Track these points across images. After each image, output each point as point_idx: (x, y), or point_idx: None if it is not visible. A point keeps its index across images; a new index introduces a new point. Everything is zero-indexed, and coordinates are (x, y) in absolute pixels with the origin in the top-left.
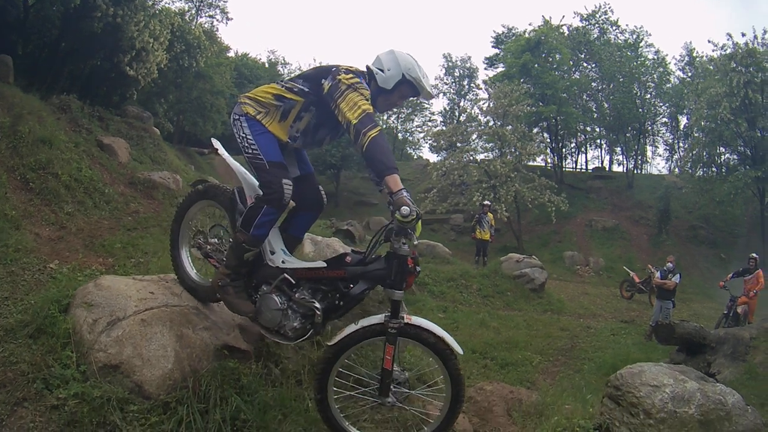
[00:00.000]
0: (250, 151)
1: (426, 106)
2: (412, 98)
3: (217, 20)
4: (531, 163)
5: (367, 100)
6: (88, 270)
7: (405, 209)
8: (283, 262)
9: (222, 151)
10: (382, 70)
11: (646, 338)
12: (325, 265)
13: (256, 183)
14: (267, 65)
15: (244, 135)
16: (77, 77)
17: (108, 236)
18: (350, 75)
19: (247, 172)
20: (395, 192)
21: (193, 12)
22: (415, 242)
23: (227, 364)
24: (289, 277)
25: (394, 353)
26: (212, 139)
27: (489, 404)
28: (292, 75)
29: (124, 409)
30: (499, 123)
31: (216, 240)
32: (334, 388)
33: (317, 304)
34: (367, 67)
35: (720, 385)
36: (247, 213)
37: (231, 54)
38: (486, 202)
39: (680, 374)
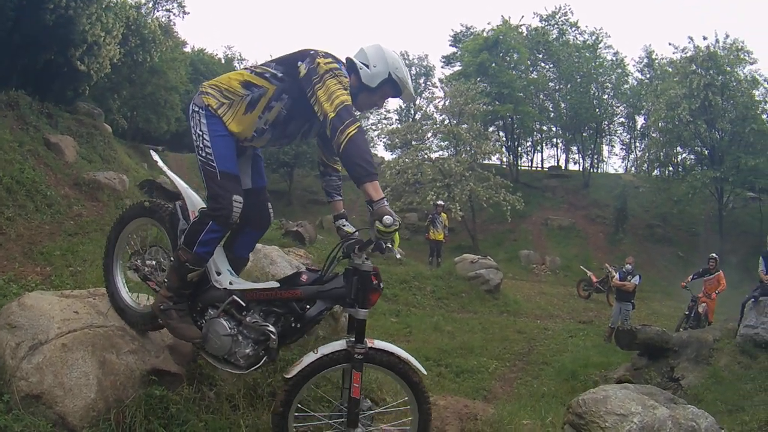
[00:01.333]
0: (204, 154)
1: None
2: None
3: (174, 14)
4: (486, 162)
5: (346, 89)
6: (24, 281)
7: (388, 219)
8: (230, 283)
9: (161, 164)
10: (367, 66)
11: (605, 340)
12: (277, 285)
13: (199, 199)
14: (223, 61)
15: (200, 133)
16: (30, 72)
17: (48, 242)
18: (329, 59)
19: (188, 188)
20: (376, 201)
21: (150, 5)
22: (398, 255)
23: (153, 391)
24: (238, 299)
25: (361, 381)
26: (150, 150)
27: (442, 423)
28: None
29: None
30: (454, 122)
31: (154, 262)
32: (294, 425)
33: (271, 328)
34: (349, 59)
35: (691, 407)
36: (190, 229)
37: (187, 49)
38: (439, 202)
39: (649, 399)
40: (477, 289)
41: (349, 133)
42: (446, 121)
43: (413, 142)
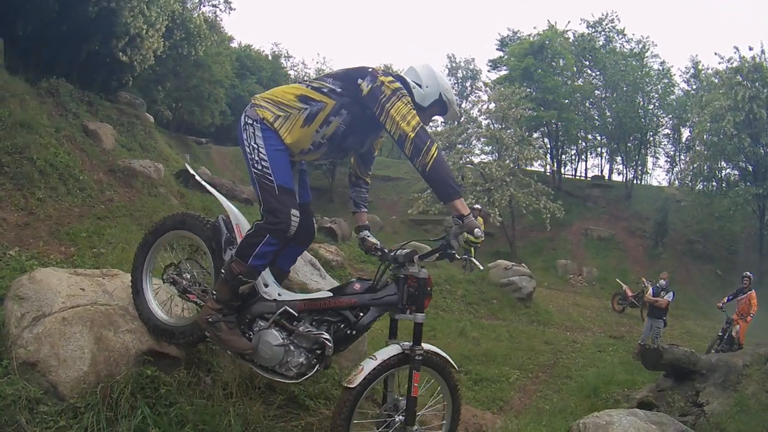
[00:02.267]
0: (260, 168)
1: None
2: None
3: (221, 10)
4: (529, 168)
5: (413, 110)
6: (46, 259)
7: (478, 231)
8: (279, 294)
9: (197, 177)
10: (419, 85)
11: (634, 357)
12: (330, 294)
13: (238, 213)
14: (270, 57)
15: (256, 146)
16: (75, 62)
17: (76, 224)
18: (391, 78)
19: (226, 200)
20: (466, 215)
21: (196, 0)
22: (480, 267)
23: (145, 371)
24: (291, 310)
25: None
26: (186, 164)
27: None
28: (318, 75)
29: (34, 410)
30: (499, 126)
31: (188, 275)
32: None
33: (327, 336)
34: (401, 77)
35: None
36: (244, 241)
37: (234, 45)
38: (476, 206)
39: (656, 430)
40: (508, 297)
41: (433, 154)
42: (491, 126)
43: (458, 145)
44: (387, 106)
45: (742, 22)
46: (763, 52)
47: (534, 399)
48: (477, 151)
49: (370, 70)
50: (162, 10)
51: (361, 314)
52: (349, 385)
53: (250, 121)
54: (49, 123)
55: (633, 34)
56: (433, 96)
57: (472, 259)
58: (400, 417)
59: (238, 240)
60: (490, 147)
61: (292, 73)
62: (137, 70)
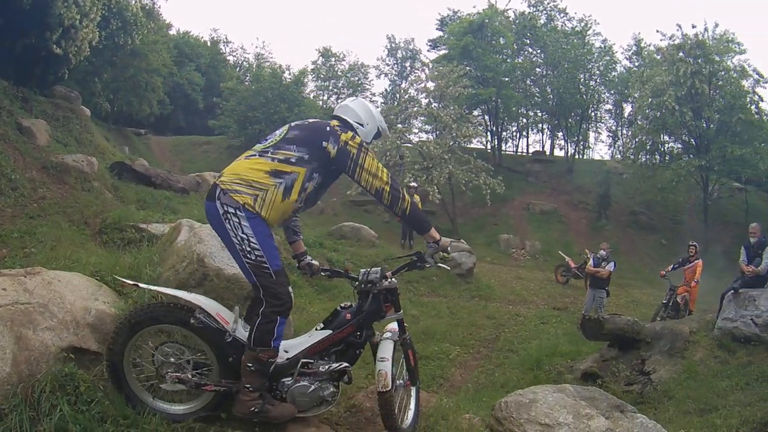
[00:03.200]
0: (253, 258)
1: (367, 87)
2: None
3: None
4: (469, 146)
5: (377, 161)
6: None
7: (449, 248)
8: (286, 351)
9: (145, 285)
10: (362, 125)
11: (578, 328)
12: (330, 331)
13: (209, 301)
14: (209, 44)
15: (245, 236)
16: (10, 57)
17: (8, 225)
18: (351, 134)
19: (191, 294)
20: (439, 240)
21: None
22: (449, 269)
23: (64, 369)
24: (307, 360)
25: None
26: (126, 281)
27: (373, 414)
28: (271, 142)
29: None
30: (438, 105)
31: (180, 361)
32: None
33: (345, 364)
34: (346, 122)
35: (640, 418)
36: (260, 330)
37: (172, 32)
38: (412, 184)
39: (586, 407)
40: (449, 273)
41: (408, 200)
42: (432, 105)
43: (398, 125)
44: (359, 163)
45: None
46: (706, 29)
47: (475, 374)
48: (416, 130)
49: (328, 129)
50: None
51: (359, 333)
52: (384, 389)
53: (231, 210)
54: None
55: (575, 13)
56: (374, 131)
57: (442, 265)
58: (401, 381)
59: (226, 327)
60: (430, 126)
61: (231, 58)
62: (73, 62)
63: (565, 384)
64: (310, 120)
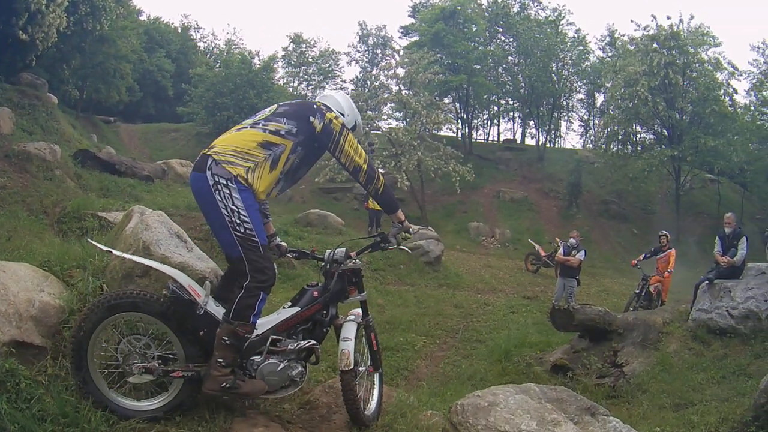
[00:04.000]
0: (242, 230)
1: (338, 73)
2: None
3: None
4: (440, 134)
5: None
6: None
7: (413, 228)
8: (256, 328)
9: (119, 253)
10: (343, 114)
11: (548, 317)
12: (298, 309)
13: (178, 272)
14: (180, 30)
15: (235, 208)
16: None
17: None
18: (335, 114)
19: (164, 265)
20: (404, 220)
21: None
22: (410, 251)
23: (3, 365)
24: (276, 337)
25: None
26: (100, 246)
27: (329, 411)
28: (261, 117)
29: None
30: (410, 91)
31: (146, 351)
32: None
33: (313, 342)
34: (324, 104)
35: (613, 422)
36: (241, 303)
37: (143, 18)
38: (380, 170)
39: (552, 410)
40: (416, 261)
41: (382, 180)
42: (402, 91)
43: (368, 112)
44: (341, 142)
45: None
46: (681, 21)
47: (441, 366)
48: (385, 117)
49: (315, 106)
50: None
51: (325, 312)
52: (347, 368)
53: (223, 181)
54: None
55: (549, 2)
56: (352, 123)
57: (403, 247)
58: (363, 367)
59: (198, 300)
60: (400, 113)
61: (201, 45)
62: (40, 48)
63: (529, 384)
64: (296, 101)
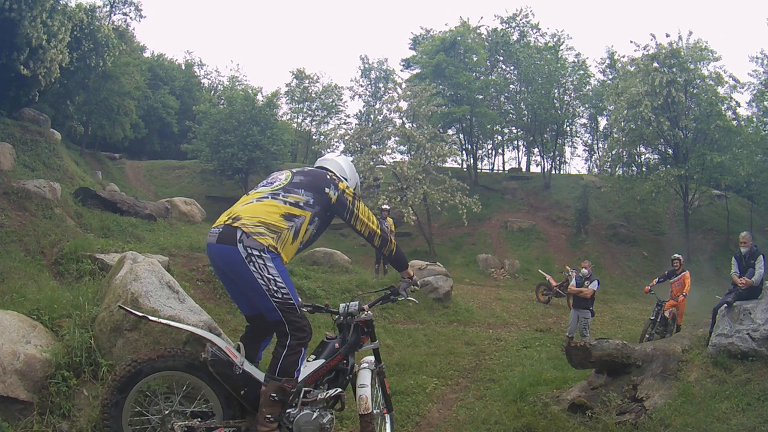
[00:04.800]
0: (280, 296)
1: (341, 108)
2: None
3: (131, 18)
4: (445, 166)
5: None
6: None
7: (419, 282)
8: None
9: (155, 319)
10: (345, 179)
11: (563, 350)
12: (323, 360)
13: (216, 337)
14: (183, 67)
15: (271, 276)
16: None
17: None
18: (346, 185)
19: (203, 331)
20: (413, 275)
21: (107, 9)
22: (417, 302)
23: None
24: (307, 389)
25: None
26: (135, 312)
27: None
28: (279, 186)
29: None
30: (413, 125)
31: (178, 409)
32: None
33: (340, 390)
34: (327, 169)
35: None
36: (285, 361)
37: (147, 54)
38: (385, 206)
39: None
40: (425, 298)
41: (394, 242)
42: (405, 124)
43: (372, 146)
44: (355, 212)
45: (657, 10)
46: (680, 38)
47: (454, 410)
48: (389, 151)
49: (328, 177)
50: (68, 19)
51: (346, 361)
52: (366, 412)
53: (256, 252)
54: None
55: (548, 28)
56: (353, 186)
57: (411, 298)
58: (378, 410)
59: (236, 361)
60: (404, 146)
61: (205, 81)
62: (43, 84)
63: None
64: (307, 168)
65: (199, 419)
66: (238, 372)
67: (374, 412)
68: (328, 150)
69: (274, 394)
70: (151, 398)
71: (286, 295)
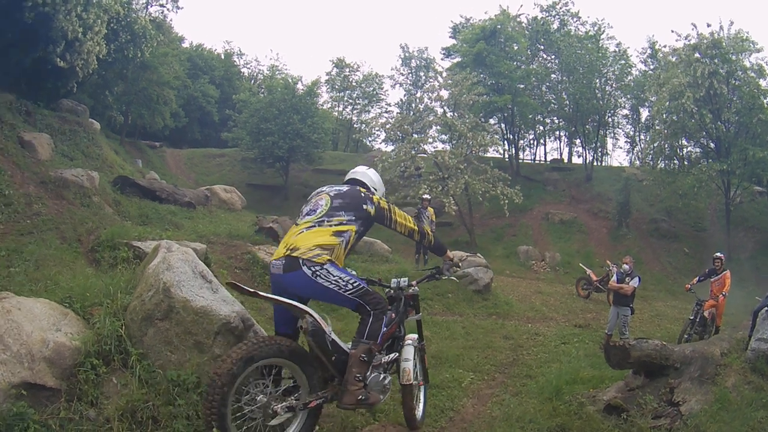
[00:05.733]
0: (351, 288)
1: (382, 97)
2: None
3: (168, 9)
4: (487, 156)
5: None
6: None
7: (459, 262)
8: None
9: (264, 294)
10: (376, 189)
11: (601, 348)
12: (385, 328)
13: (312, 311)
14: (222, 56)
15: (337, 277)
16: (21, 72)
17: None
18: (379, 197)
19: (300, 304)
20: (452, 258)
21: (143, 1)
22: (458, 280)
23: (13, 407)
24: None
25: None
26: (246, 288)
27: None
28: (321, 213)
29: None
30: (455, 114)
31: (272, 393)
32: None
33: (397, 355)
34: (360, 182)
35: None
36: (372, 326)
37: (185, 45)
38: (425, 196)
39: None
40: (464, 290)
41: (431, 234)
42: (448, 114)
43: (414, 135)
44: (393, 217)
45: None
46: (721, 28)
47: (489, 406)
48: (430, 140)
49: (363, 195)
50: (104, 12)
51: (399, 329)
52: (408, 383)
53: (317, 269)
54: None
55: (588, 17)
56: (381, 194)
57: (453, 278)
58: (416, 381)
59: (327, 330)
60: (446, 135)
61: (245, 71)
62: (80, 75)
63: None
64: (344, 189)
65: (294, 398)
66: (329, 340)
67: (413, 383)
68: (369, 138)
69: (363, 355)
70: (248, 391)
71: (354, 284)
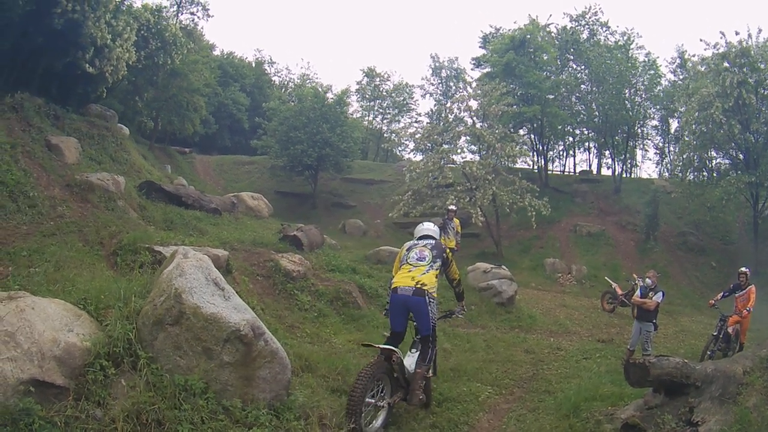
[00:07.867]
0: (433, 323)
1: (412, 107)
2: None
3: (198, 17)
4: (516, 166)
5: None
6: None
7: (465, 309)
8: (410, 366)
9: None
10: (437, 238)
11: (622, 364)
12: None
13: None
14: (253, 65)
15: (434, 313)
16: (52, 76)
17: (19, 243)
18: (447, 249)
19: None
20: (463, 305)
21: (173, 9)
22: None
23: (20, 403)
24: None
25: None
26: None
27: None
28: (429, 260)
29: None
30: (484, 124)
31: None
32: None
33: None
34: (432, 236)
35: None
36: (431, 353)
37: (216, 52)
38: (451, 207)
39: None
40: (488, 301)
41: (462, 285)
42: (477, 124)
43: (444, 145)
44: (452, 265)
45: (727, 8)
46: (749, 36)
47: (504, 421)
48: (459, 150)
49: (444, 247)
50: (134, 19)
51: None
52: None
53: (432, 300)
54: (7, 139)
55: (617, 27)
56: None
57: (460, 315)
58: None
59: (403, 361)
60: (476, 146)
61: (276, 79)
62: (110, 81)
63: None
64: (433, 242)
65: (387, 398)
66: (402, 365)
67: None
68: (399, 148)
69: (426, 377)
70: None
71: (435, 319)
